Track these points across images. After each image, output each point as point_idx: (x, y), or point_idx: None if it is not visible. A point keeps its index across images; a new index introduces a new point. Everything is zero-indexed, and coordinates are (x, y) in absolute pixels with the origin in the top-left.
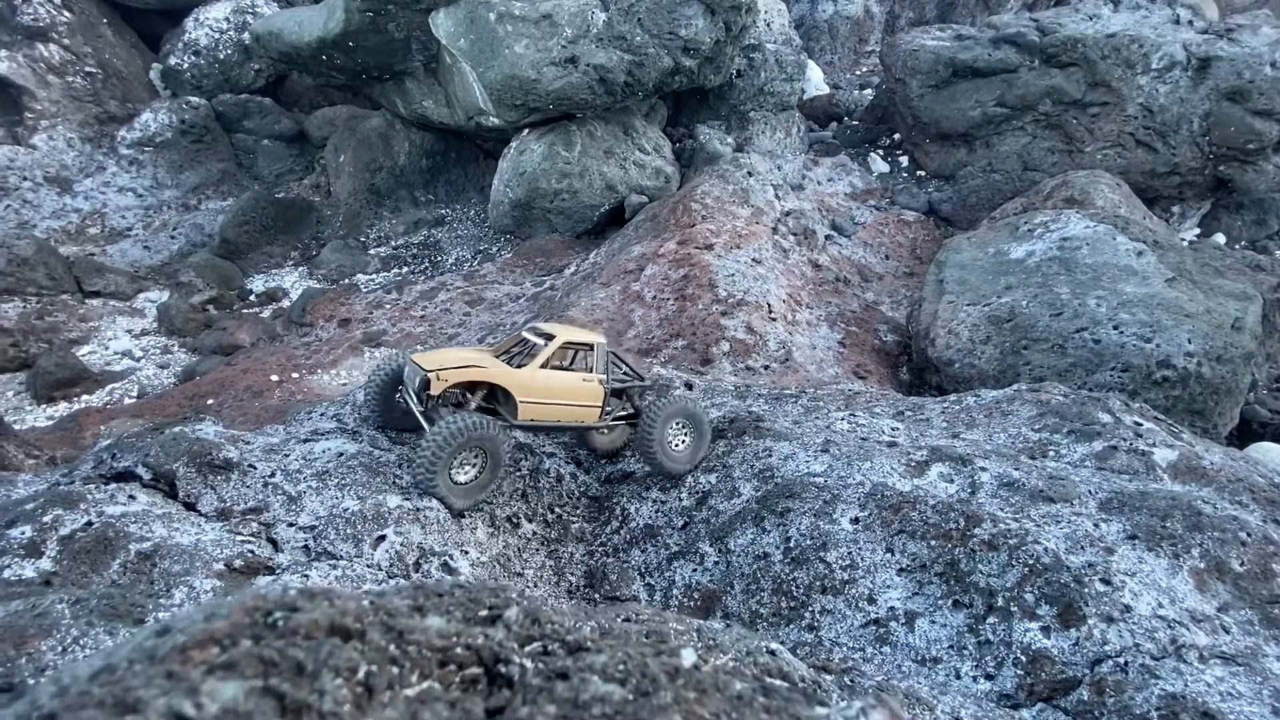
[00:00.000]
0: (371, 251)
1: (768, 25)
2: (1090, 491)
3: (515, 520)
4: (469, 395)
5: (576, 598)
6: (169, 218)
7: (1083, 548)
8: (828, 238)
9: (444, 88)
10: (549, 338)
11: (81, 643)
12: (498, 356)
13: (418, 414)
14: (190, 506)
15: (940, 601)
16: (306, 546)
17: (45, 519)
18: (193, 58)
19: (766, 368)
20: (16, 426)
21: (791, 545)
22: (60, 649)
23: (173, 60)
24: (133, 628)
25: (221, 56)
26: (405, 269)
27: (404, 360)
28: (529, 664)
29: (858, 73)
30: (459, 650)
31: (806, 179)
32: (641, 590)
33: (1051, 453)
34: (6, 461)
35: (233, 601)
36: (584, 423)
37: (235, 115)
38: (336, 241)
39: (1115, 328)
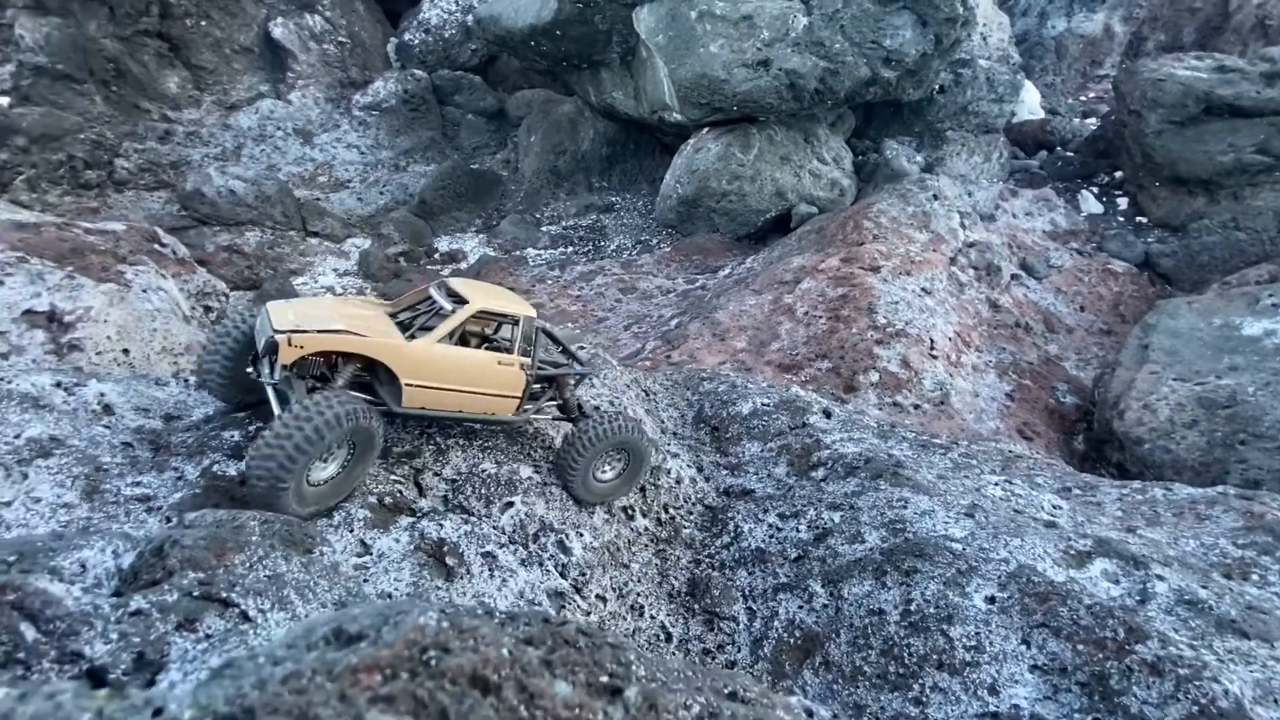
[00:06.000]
0: (543, 228)
1: (984, 39)
2: None
3: (630, 512)
4: (337, 366)
5: (676, 603)
6: (381, 175)
7: (1277, 701)
8: (1014, 277)
9: (635, 80)
10: (460, 301)
11: (264, 562)
12: (395, 315)
13: (267, 387)
14: (425, 428)
15: (1076, 715)
16: (445, 497)
17: (250, 428)
18: (423, 35)
19: (917, 407)
20: None
21: (912, 609)
22: (249, 564)
23: (407, 36)
24: (302, 556)
25: (446, 35)
26: (570, 249)
27: (257, 313)
28: None
29: (1082, 98)
30: None
31: (1000, 210)
32: (742, 613)
33: (1255, 577)
34: None
35: (399, 624)
36: (494, 415)
37: (449, 89)
38: (515, 215)
39: None
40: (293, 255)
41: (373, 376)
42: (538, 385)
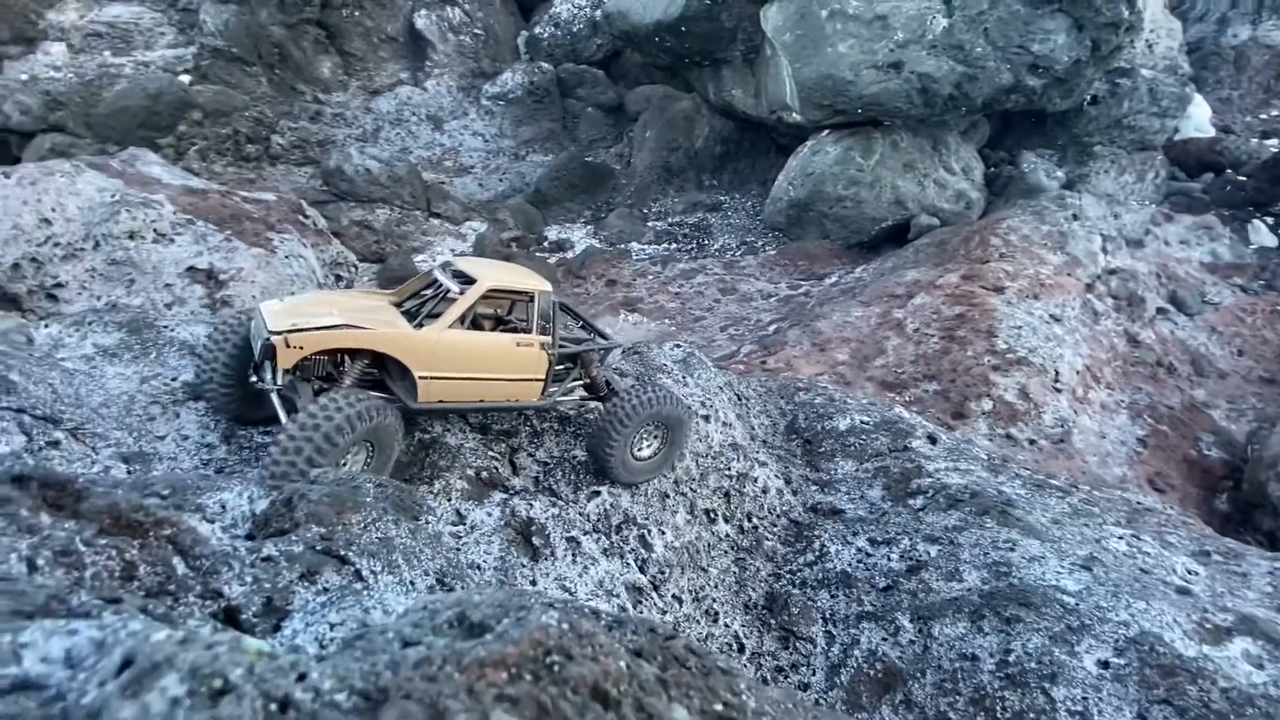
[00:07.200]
0: (650, 224)
1: (1149, 47)
2: None
3: (713, 515)
4: (344, 363)
5: (752, 615)
6: (502, 163)
7: None
8: (1160, 311)
9: (756, 79)
10: (468, 281)
11: (377, 524)
12: (400, 303)
13: (271, 395)
14: (463, 415)
15: None
16: (537, 478)
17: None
18: (552, 29)
19: (1033, 443)
20: None
21: (1010, 660)
22: (363, 525)
23: (537, 29)
24: (410, 523)
25: (574, 30)
26: (674, 245)
27: (251, 316)
28: None
29: (1263, 116)
30: None
31: (1150, 235)
32: (820, 636)
33: None
34: None
35: (523, 621)
36: (518, 401)
37: (572, 83)
38: (623, 209)
39: None
40: (415, 234)
41: (383, 372)
42: (561, 365)
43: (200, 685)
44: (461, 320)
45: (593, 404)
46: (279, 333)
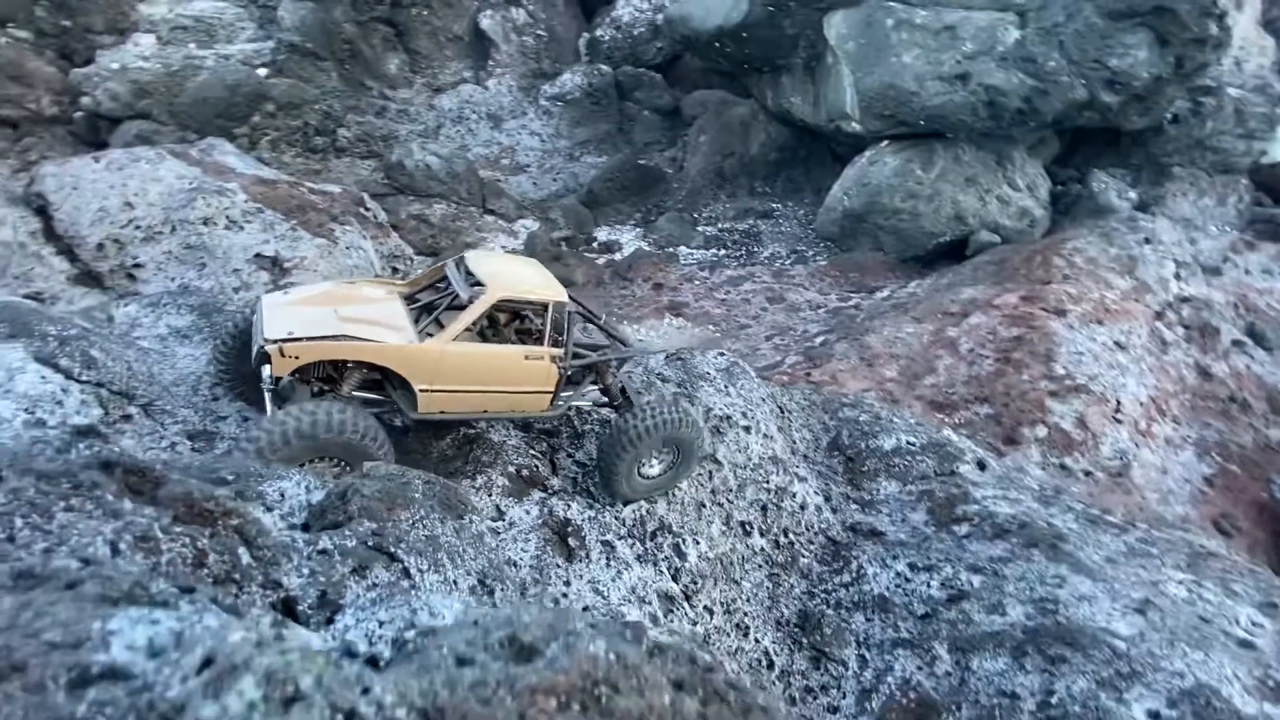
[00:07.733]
0: (699, 228)
1: (1237, 65)
2: None
3: (748, 528)
4: (343, 372)
5: (784, 631)
6: (556, 163)
7: None
8: (1236, 343)
9: (815, 87)
10: (478, 286)
11: (424, 522)
12: (411, 297)
13: (266, 396)
14: None
15: None
16: (575, 479)
17: None
18: (613, 31)
19: (1088, 474)
20: None
21: (1053, 701)
22: (410, 521)
23: (599, 32)
24: (455, 521)
25: (635, 33)
26: (722, 251)
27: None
28: None
29: None
30: None
31: (1229, 263)
32: (854, 659)
33: None
34: None
35: (571, 648)
36: (524, 412)
37: (630, 86)
38: (673, 212)
39: None
40: (470, 229)
41: (384, 377)
42: (575, 369)
43: (274, 690)
44: (471, 328)
45: (606, 411)
46: (274, 341)
